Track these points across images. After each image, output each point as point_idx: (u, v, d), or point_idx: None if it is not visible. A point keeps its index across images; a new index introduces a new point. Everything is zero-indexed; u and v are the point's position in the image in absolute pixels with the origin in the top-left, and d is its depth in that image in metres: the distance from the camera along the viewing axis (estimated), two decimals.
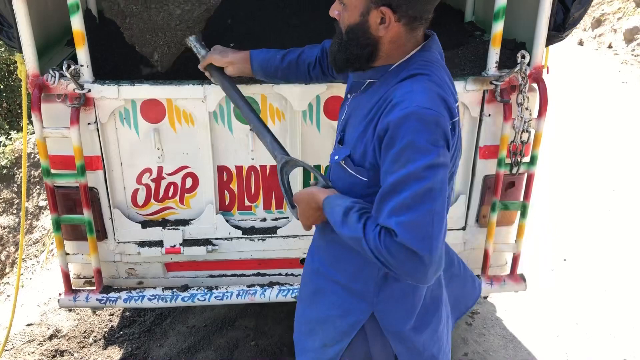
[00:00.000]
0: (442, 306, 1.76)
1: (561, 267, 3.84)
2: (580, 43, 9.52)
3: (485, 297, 3.42)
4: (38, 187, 5.46)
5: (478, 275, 2.61)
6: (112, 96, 2.20)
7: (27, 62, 2.14)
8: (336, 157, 1.59)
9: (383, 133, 1.40)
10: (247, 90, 2.23)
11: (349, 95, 1.65)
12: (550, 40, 2.30)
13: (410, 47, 1.49)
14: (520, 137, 2.34)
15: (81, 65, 2.16)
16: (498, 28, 2.20)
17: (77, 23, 2.09)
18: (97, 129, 2.27)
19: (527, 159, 2.41)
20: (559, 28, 2.28)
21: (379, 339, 1.67)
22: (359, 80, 1.59)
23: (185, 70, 2.49)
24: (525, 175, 2.45)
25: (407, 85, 1.42)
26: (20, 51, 2.14)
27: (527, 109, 2.29)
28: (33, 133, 5.34)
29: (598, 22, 9.71)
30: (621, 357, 3.08)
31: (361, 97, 1.57)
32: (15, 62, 6.81)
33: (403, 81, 1.44)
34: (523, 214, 2.51)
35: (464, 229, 2.58)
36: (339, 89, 2.27)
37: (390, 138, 1.38)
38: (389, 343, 1.67)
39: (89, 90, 2.18)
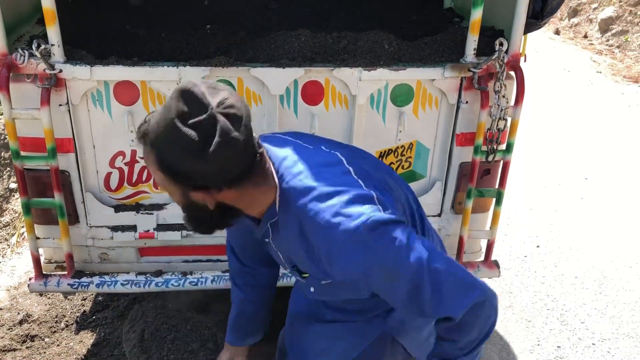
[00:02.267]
0: None
1: (534, 253, 3.90)
2: (557, 32, 9.60)
3: None
4: (8, 169, 5.34)
5: None
6: (84, 77, 2.14)
7: None
8: (312, 289, 1.54)
9: (350, 279, 1.37)
10: (223, 72, 2.20)
11: (266, 239, 1.54)
12: (528, 28, 2.31)
13: (265, 181, 1.38)
14: (497, 125, 2.35)
15: (52, 45, 2.10)
16: (477, 15, 2.19)
17: (47, 0, 2.02)
18: (69, 110, 2.21)
19: (503, 147, 2.43)
20: (537, 16, 2.29)
21: (390, 344, 1.71)
22: (264, 229, 1.49)
23: (161, 50, 2.45)
24: (501, 162, 2.46)
25: (318, 227, 1.32)
26: None
27: (504, 96, 2.30)
28: (2, 114, 5.20)
29: (574, 12, 9.80)
30: (590, 343, 3.15)
31: (279, 237, 1.48)
32: None
33: (308, 223, 1.35)
34: (498, 201, 2.53)
35: (439, 215, 2.59)
36: (317, 74, 2.25)
37: (364, 277, 1.33)
38: (399, 343, 1.72)
39: (60, 71, 2.12)
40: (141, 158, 2.34)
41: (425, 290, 1.30)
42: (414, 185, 2.54)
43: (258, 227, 1.49)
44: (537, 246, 3.98)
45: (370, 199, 1.33)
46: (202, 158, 1.19)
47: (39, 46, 2.06)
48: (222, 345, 1.95)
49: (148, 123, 1.28)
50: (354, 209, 1.29)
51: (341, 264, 1.32)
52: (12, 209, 5.11)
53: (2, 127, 5.31)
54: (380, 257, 1.29)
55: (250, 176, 1.32)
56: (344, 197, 1.31)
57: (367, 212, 1.29)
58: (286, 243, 1.47)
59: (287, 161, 1.41)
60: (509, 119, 2.36)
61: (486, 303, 1.35)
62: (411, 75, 2.29)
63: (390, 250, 1.28)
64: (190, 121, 1.19)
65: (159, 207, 2.44)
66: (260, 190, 1.37)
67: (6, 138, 5.30)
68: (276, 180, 1.39)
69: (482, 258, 2.70)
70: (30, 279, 2.43)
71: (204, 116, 1.19)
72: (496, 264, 2.65)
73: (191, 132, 1.18)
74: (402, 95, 2.34)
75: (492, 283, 3.43)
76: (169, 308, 2.62)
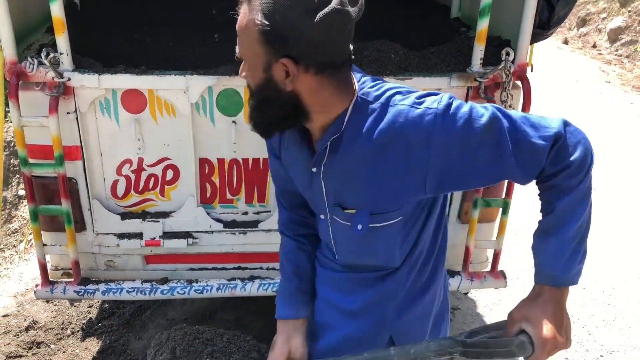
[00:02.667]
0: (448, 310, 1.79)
1: None
2: (565, 42, 9.60)
3: (466, 293, 3.44)
4: (17, 176, 5.38)
5: (459, 272, 2.62)
6: (92, 85, 2.16)
7: (5, 48, 2.09)
8: (360, 227, 1.46)
9: (436, 158, 1.31)
10: (230, 81, 2.21)
11: (314, 169, 1.47)
12: (534, 38, 2.31)
13: (344, 87, 1.37)
14: None
15: (61, 53, 2.12)
16: (483, 25, 2.19)
17: (57, 9, 2.04)
18: (77, 118, 2.23)
19: None
20: (544, 26, 2.29)
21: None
22: (322, 147, 1.42)
23: (168, 59, 2.46)
24: None
25: (402, 111, 1.32)
26: None
27: (510, 106, 2.29)
28: (11, 122, 5.22)
29: (583, 22, 9.79)
30: (598, 355, 3.12)
31: (337, 159, 1.41)
32: None
33: (391, 114, 1.33)
34: (504, 211, 2.51)
35: None
36: None
37: (461, 145, 1.30)
38: None
39: (69, 79, 2.14)
40: (148, 166, 2.35)
41: (520, 124, 1.31)
42: None
43: (317, 144, 1.44)
44: None
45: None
46: (312, 19, 1.21)
47: (48, 55, 2.08)
48: (266, 354, 1.79)
49: None
50: (434, 95, 1.36)
51: (443, 132, 1.29)
52: (21, 215, 5.14)
53: (11, 135, 5.36)
54: (473, 112, 1.30)
55: (336, 73, 1.33)
56: (423, 92, 1.38)
57: (445, 94, 1.37)
58: (344, 165, 1.41)
59: (366, 77, 1.44)
60: None
61: (571, 125, 1.35)
62: (417, 84, 2.28)
63: (476, 106, 1.32)
64: None
65: (165, 214, 2.45)
66: (337, 93, 1.35)
67: (15, 145, 5.34)
68: (356, 86, 1.39)
69: (488, 268, 2.68)
70: (36, 285, 2.45)
71: None
72: (503, 274, 2.64)
73: None
74: None
75: (498, 293, 3.42)
76: (198, 327, 2.51)
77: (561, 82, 7.47)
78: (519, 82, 2.32)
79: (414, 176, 1.35)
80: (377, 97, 1.37)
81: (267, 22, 1.23)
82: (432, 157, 1.32)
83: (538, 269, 1.44)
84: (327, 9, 1.21)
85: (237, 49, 1.33)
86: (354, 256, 1.58)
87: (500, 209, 2.53)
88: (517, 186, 2.52)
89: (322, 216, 1.56)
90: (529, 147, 1.31)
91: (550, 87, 6.96)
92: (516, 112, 1.35)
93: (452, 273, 2.64)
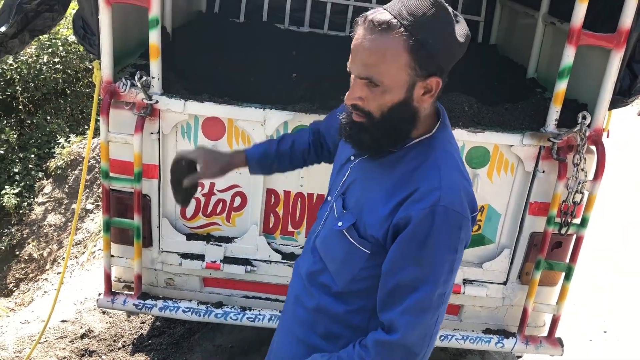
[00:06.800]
0: None
1: (601, 339, 3.70)
2: None
3: (519, 357, 3.32)
4: (87, 190, 5.63)
5: (514, 334, 2.55)
6: (177, 110, 2.29)
7: (103, 69, 2.25)
8: (340, 224, 1.46)
9: (403, 224, 1.32)
10: (305, 118, 2.29)
11: (352, 157, 1.51)
12: (613, 105, 2.29)
13: (431, 116, 1.40)
14: (573, 198, 2.31)
15: (152, 77, 2.26)
16: (561, 86, 2.20)
17: (154, 37, 2.19)
18: (159, 139, 2.35)
19: (577, 221, 2.37)
20: (624, 93, 2.27)
21: None
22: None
23: (248, 93, 2.58)
24: (574, 237, 2.40)
25: (434, 177, 1.33)
26: (99, 58, 2.25)
27: (582, 170, 2.27)
28: (94, 137, 5.50)
29: None
30: None
31: (372, 164, 1.45)
32: (84, 70, 7.13)
33: (430, 168, 1.34)
34: (567, 276, 2.45)
35: (504, 283, 2.54)
36: None
37: (412, 234, 1.31)
38: None
39: (157, 102, 2.27)
40: (218, 191, 2.44)
41: (421, 295, 1.32)
42: (481, 250, 2.51)
43: None
44: (605, 331, 3.79)
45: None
46: (456, 35, 1.28)
47: (141, 77, 2.23)
48: None
49: (391, 14, 1.25)
50: (468, 206, 1.36)
51: (415, 225, 1.30)
52: (86, 228, 5.36)
53: (91, 151, 5.64)
54: (440, 242, 1.31)
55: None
56: (469, 192, 1.38)
57: (469, 217, 1.36)
58: (372, 172, 1.44)
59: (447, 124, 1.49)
60: (586, 193, 2.32)
61: (417, 357, 1.37)
62: (489, 138, 2.30)
63: (448, 252, 1.33)
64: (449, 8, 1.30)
65: (228, 239, 2.52)
66: (429, 115, 1.40)
67: (90, 160, 5.62)
68: (442, 118, 1.44)
69: (545, 333, 2.60)
70: (99, 294, 2.54)
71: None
72: (560, 342, 2.55)
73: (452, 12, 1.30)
74: (477, 158, 2.35)
75: None
76: None
77: (638, 152, 7.25)
78: (593, 147, 2.30)
79: (386, 223, 1.36)
80: (440, 155, 1.37)
81: (417, 48, 1.24)
82: (395, 216, 1.33)
83: None
84: (466, 27, 1.31)
85: (359, 71, 1.29)
86: (324, 247, 1.55)
87: (563, 274, 2.47)
88: (582, 253, 2.46)
89: (329, 198, 1.59)
90: (387, 293, 1.36)
91: (625, 156, 6.76)
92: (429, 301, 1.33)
93: (507, 334, 2.57)
